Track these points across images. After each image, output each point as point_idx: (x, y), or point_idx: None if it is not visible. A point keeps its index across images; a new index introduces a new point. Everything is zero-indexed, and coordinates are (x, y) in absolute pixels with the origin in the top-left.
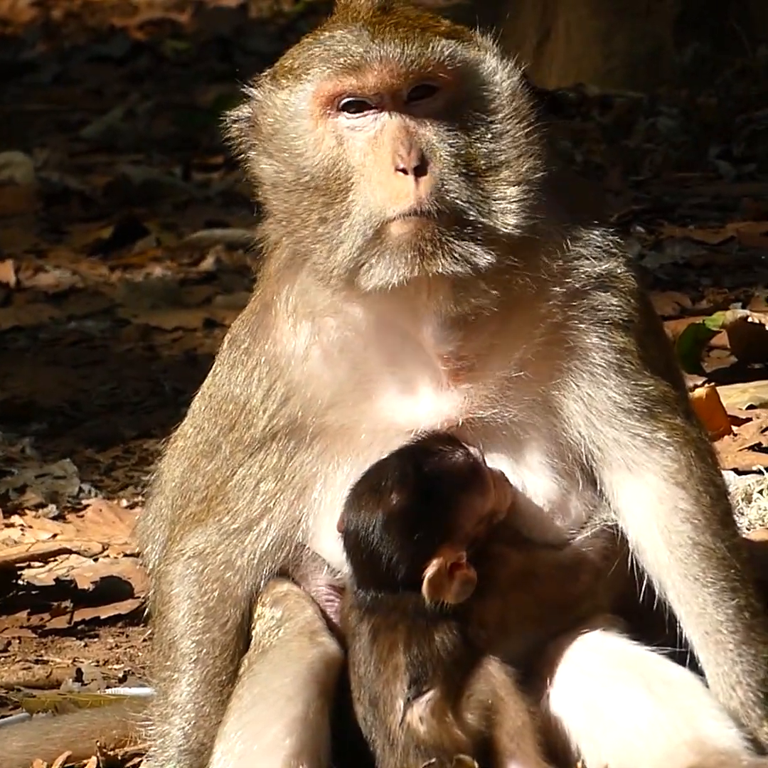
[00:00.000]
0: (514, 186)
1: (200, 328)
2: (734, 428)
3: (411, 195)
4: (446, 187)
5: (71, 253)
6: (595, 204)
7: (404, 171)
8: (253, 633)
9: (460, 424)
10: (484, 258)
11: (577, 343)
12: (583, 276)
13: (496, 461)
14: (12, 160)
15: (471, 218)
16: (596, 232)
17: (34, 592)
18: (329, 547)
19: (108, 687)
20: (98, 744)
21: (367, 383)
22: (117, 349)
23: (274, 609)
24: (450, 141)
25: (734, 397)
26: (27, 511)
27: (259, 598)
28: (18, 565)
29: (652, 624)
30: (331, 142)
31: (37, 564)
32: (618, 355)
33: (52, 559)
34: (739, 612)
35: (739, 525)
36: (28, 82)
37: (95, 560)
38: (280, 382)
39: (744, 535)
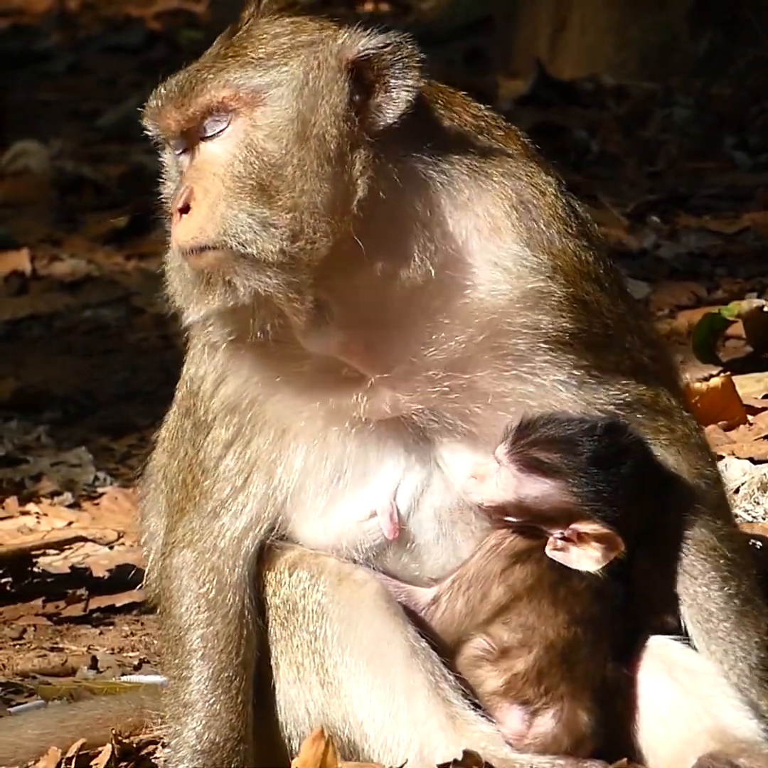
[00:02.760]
0: (287, 212)
1: None
2: (750, 418)
3: (174, 235)
4: (204, 224)
5: (86, 242)
6: (517, 213)
7: (180, 210)
8: (277, 601)
9: (409, 414)
10: (251, 285)
11: (523, 365)
12: (502, 297)
13: (467, 449)
14: (27, 150)
15: (233, 249)
16: (503, 248)
17: (49, 580)
18: (305, 532)
19: (123, 674)
20: (113, 731)
21: (299, 380)
22: (132, 337)
23: (299, 572)
24: (229, 173)
25: (750, 386)
26: (42, 499)
27: (268, 569)
28: (33, 552)
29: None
30: (175, 176)
31: (52, 552)
32: (572, 371)
33: (67, 546)
34: (729, 600)
35: (754, 514)
36: (43, 71)
37: (110, 548)
38: (216, 372)
39: (760, 524)
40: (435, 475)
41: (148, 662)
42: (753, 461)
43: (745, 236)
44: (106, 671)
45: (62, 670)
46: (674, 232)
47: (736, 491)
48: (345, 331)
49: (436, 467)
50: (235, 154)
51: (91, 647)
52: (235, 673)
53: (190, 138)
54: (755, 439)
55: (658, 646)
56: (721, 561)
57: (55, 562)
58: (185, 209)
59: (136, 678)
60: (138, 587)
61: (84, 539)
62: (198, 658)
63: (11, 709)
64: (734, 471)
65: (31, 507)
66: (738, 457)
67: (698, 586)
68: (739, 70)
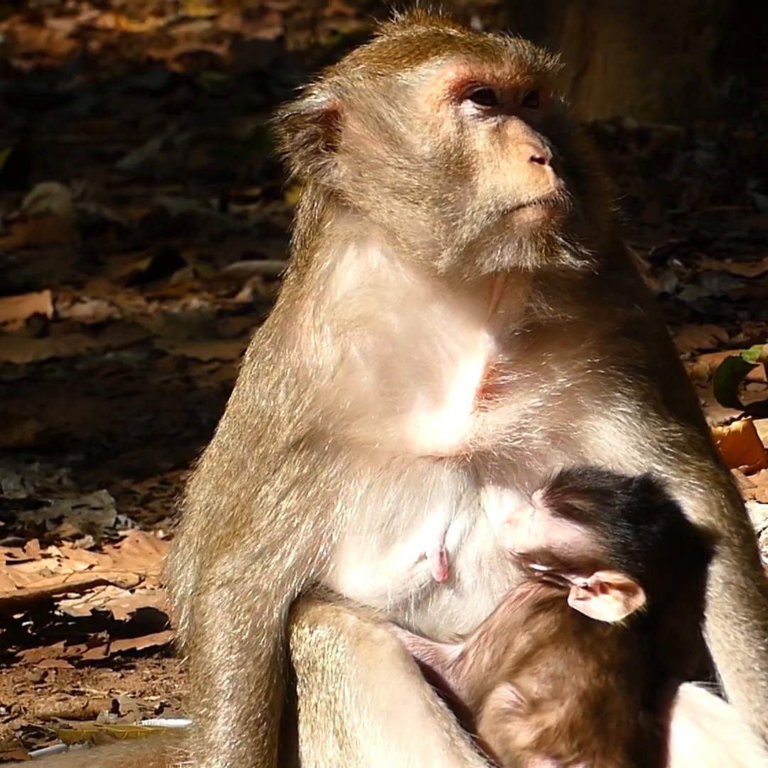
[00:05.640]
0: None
1: (237, 359)
2: None
3: (550, 182)
4: (566, 185)
5: (108, 284)
6: (623, 246)
7: (540, 160)
8: (298, 657)
9: (481, 449)
10: (592, 260)
11: (603, 389)
12: (615, 321)
13: (513, 496)
14: (49, 191)
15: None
16: (626, 275)
17: (70, 623)
18: (350, 577)
19: (144, 718)
20: None
21: (392, 395)
22: (154, 380)
23: (319, 630)
24: (558, 143)
25: None
26: (64, 542)
27: (291, 622)
28: (55, 596)
29: (702, 661)
30: (450, 127)
31: (73, 595)
32: (642, 402)
33: (88, 590)
34: None
35: None
36: (66, 113)
37: (132, 591)
38: (307, 393)
39: None
40: (480, 519)
41: (170, 706)
42: None
43: (767, 280)
44: (128, 715)
45: (83, 714)
46: (696, 276)
47: (758, 535)
48: (531, 351)
49: (481, 511)
50: (549, 134)
51: (113, 691)
52: (263, 717)
53: (515, 99)
54: None
55: (682, 692)
56: (763, 609)
57: (76, 606)
58: (553, 162)
59: (157, 722)
60: (165, 626)
61: (105, 582)
62: (226, 699)
63: (32, 753)
64: (756, 516)
65: (52, 550)
66: (760, 502)
67: (740, 633)
68: (762, 112)
